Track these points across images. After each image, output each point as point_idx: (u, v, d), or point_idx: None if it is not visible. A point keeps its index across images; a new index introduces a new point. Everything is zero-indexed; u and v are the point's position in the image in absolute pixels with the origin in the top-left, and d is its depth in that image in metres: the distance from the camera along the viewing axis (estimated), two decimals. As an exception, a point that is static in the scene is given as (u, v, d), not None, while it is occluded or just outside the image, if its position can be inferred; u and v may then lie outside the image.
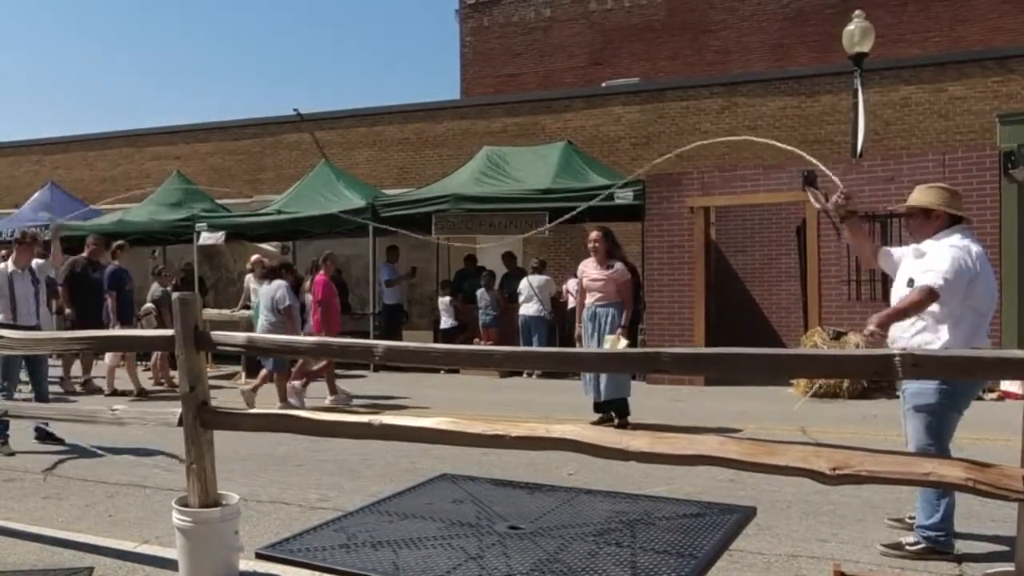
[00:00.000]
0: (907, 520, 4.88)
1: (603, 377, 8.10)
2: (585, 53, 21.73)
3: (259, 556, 3.03)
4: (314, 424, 3.81)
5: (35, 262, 8.32)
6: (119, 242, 12.12)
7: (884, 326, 4.33)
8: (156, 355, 11.78)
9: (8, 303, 7.94)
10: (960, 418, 4.46)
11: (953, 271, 4.26)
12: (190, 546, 3.87)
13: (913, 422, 4.44)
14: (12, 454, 7.46)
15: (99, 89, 73.12)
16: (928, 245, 4.50)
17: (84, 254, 11.72)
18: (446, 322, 14.37)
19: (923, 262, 4.42)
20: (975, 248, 4.40)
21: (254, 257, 13.31)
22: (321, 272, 10.43)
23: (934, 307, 4.34)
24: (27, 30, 76.81)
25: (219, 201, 17.37)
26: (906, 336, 4.46)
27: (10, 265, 8.06)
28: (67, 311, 11.45)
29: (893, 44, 17.46)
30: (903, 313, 4.37)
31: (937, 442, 4.34)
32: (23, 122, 78.55)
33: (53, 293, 10.78)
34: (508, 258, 15.26)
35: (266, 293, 10.14)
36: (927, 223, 4.55)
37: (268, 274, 10.45)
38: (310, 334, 10.43)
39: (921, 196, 4.63)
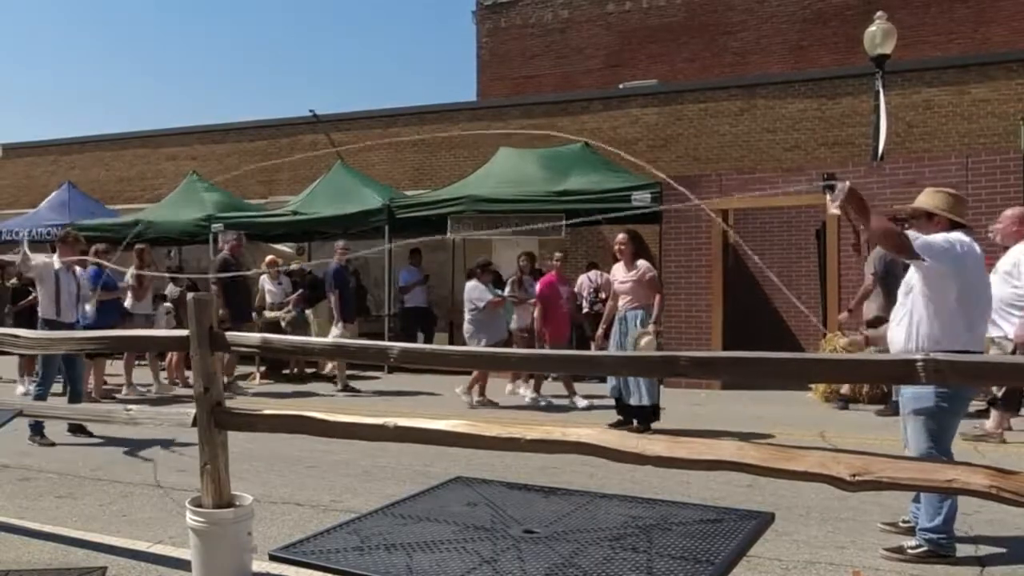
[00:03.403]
0: (900, 524, 4.89)
1: (642, 381, 8.07)
2: (602, 55, 21.68)
3: (272, 558, 3.01)
4: (329, 425, 3.79)
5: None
6: (338, 243, 12.20)
7: (855, 197, 4.19)
8: (171, 355, 11.81)
9: (53, 299, 8.15)
10: (959, 420, 4.45)
11: (942, 245, 4.31)
12: (203, 547, 3.85)
13: (912, 426, 4.45)
14: (52, 444, 7.72)
15: (111, 92, 73.74)
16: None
17: (226, 252, 11.73)
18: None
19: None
20: (977, 248, 4.46)
21: (268, 258, 13.33)
22: (552, 272, 10.52)
23: (925, 307, 4.40)
24: (31, 30, 77.48)
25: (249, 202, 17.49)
26: (902, 338, 4.52)
27: (57, 262, 8.25)
28: (221, 311, 11.22)
29: (915, 46, 17.33)
30: (873, 218, 4.28)
31: (937, 445, 4.34)
32: (31, 123, 79.35)
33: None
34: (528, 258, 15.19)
35: (465, 294, 10.32)
36: (929, 226, 4.60)
37: (469, 275, 10.51)
38: (526, 331, 10.47)
39: (926, 199, 4.69)
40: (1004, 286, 7.14)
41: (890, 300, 9.03)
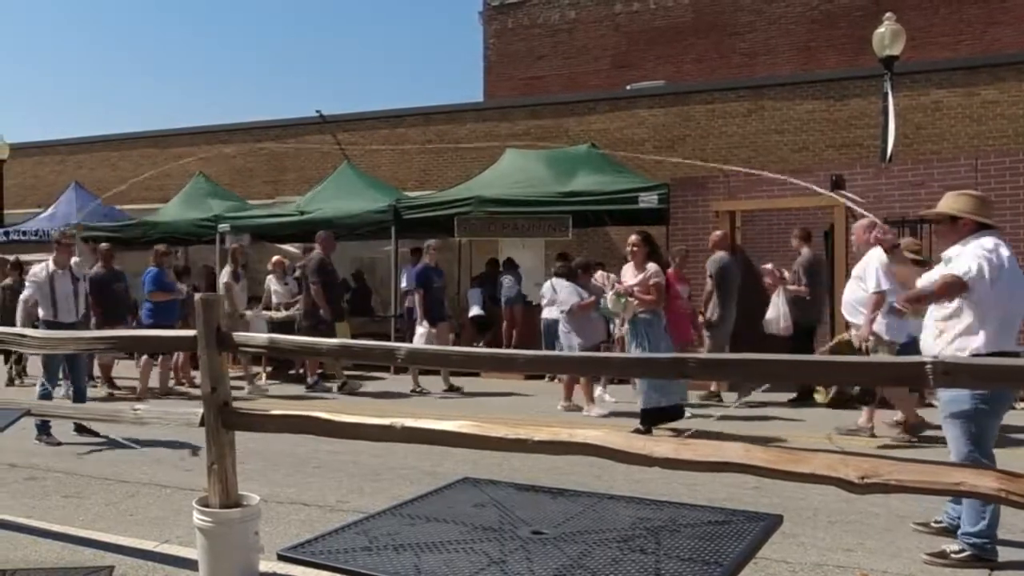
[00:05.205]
0: (933, 524, 4.86)
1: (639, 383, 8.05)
2: (610, 55, 21.65)
3: (280, 557, 3.00)
4: (336, 426, 3.78)
5: (72, 260, 8.60)
6: (429, 242, 11.99)
7: (911, 302, 4.64)
8: (178, 355, 11.82)
9: (50, 302, 8.29)
10: (999, 422, 4.41)
11: (978, 267, 4.32)
12: (210, 546, 3.85)
13: (951, 430, 4.40)
14: (59, 444, 7.77)
15: (114, 92, 73.92)
16: (954, 250, 4.54)
17: (318, 250, 11.65)
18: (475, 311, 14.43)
19: (950, 264, 4.50)
20: (1004, 251, 4.42)
21: (275, 258, 13.33)
22: (670, 269, 9.54)
23: (961, 312, 4.39)
24: (31, 30, 77.67)
25: (251, 202, 17.52)
26: (938, 343, 4.48)
27: (51, 265, 8.37)
28: (323, 311, 11.23)
29: (924, 47, 17.24)
30: (928, 297, 4.54)
31: (978, 448, 4.29)
32: (32, 122, 79.50)
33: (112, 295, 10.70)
34: (491, 264, 15.37)
35: (558, 295, 9.94)
36: (954, 229, 4.58)
37: (566, 274, 10.10)
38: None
39: (949, 203, 4.67)
40: (856, 289, 7.61)
41: (725, 305, 10.11)
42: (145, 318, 11.05)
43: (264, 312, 12.41)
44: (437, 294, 11.64)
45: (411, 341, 11.36)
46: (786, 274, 10.19)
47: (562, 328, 9.74)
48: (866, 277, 7.46)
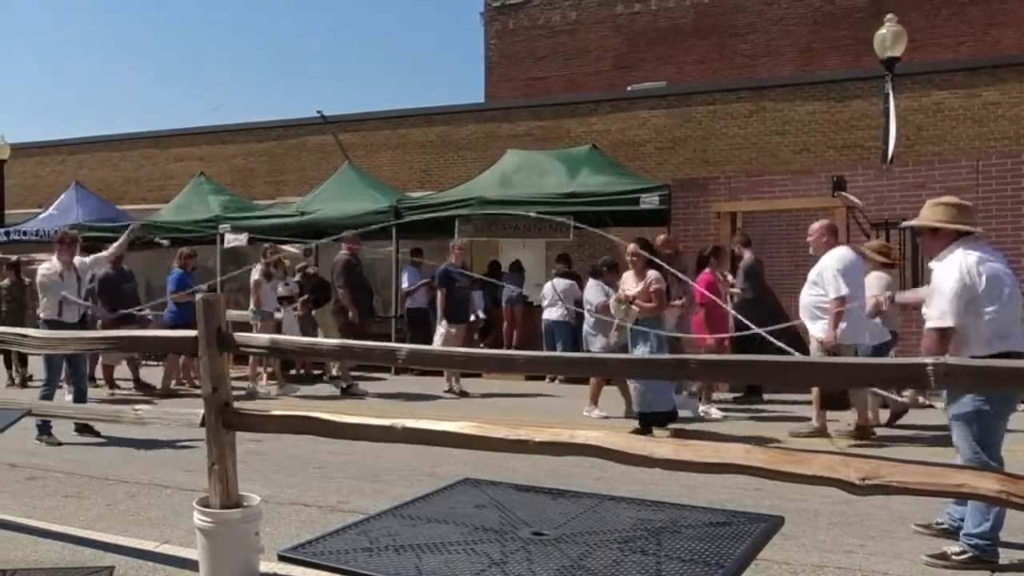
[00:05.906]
0: (934, 526, 4.86)
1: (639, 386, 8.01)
2: (611, 56, 21.64)
3: (281, 558, 2.99)
4: (337, 427, 3.78)
5: (77, 260, 8.52)
6: (455, 242, 11.90)
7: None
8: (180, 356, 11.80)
9: (57, 300, 8.17)
10: (1005, 423, 4.40)
11: (951, 302, 4.32)
12: (211, 547, 3.85)
13: (957, 432, 4.41)
14: (59, 444, 7.74)
15: (113, 92, 73.85)
16: (934, 270, 4.55)
17: (344, 251, 11.61)
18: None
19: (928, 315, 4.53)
20: (971, 259, 4.38)
21: (275, 259, 13.30)
22: (707, 270, 9.54)
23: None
24: (31, 29, 77.68)
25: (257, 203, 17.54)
26: None
27: (58, 264, 8.28)
28: (351, 312, 11.31)
29: (925, 48, 17.23)
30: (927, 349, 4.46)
31: (985, 450, 4.28)
32: (31, 122, 79.50)
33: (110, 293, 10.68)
34: (492, 266, 15.43)
35: (584, 294, 9.77)
36: (936, 240, 4.60)
37: (591, 273, 9.93)
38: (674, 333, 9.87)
39: (928, 214, 4.68)
40: (809, 294, 7.54)
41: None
42: (168, 318, 11.20)
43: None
44: (460, 294, 11.57)
45: (410, 341, 11.36)
46: (731, 278, 10.21)
47: (587, 329, 9.64)
48: (823, 283, 7.40)
